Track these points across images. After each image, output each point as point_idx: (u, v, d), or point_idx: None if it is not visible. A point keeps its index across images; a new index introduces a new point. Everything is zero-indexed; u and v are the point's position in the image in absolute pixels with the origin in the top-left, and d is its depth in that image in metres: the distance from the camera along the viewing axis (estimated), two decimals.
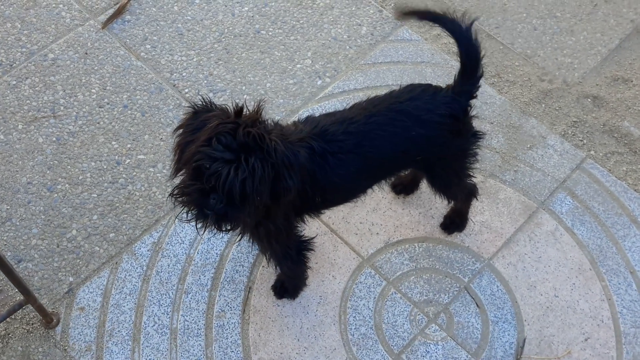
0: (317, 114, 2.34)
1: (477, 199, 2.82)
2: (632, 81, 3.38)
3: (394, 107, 2.27)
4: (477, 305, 2.77)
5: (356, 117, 2.24)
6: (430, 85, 2.36)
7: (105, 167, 3.05)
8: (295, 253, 2.47)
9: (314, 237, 2.56)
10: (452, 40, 3.42)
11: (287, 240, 2.37)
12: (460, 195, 2.75)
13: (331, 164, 2.19)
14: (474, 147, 2.47)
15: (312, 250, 2.54)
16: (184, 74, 3.33)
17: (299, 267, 2.57)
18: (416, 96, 2.29)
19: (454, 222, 2.91)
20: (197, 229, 2.01)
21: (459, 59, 2.29)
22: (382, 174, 2.49)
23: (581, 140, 3.19)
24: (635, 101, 3.31)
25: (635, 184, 3.05)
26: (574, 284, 2.81)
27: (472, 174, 2.61)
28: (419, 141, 2.29)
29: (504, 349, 2.67)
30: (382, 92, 3.27)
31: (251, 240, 2.36)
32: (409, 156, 2.38)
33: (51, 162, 3.05)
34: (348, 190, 2.44)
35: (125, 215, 2.93)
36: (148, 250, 2.85)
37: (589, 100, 3.32)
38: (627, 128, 3.22)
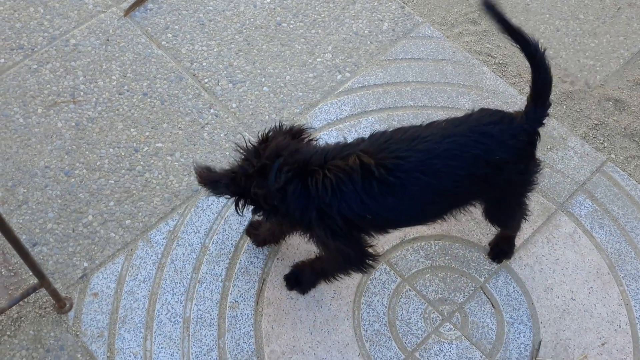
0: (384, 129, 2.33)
1: (526, 221, 2.75)
2: None
3: (478, 129, 2.23)
4: (492, 305, 2.74)
5: (431, 136, 2.21)
6: (503, 111, 2.33)
7: (123, 153, 3.04)
8: (359, 262, 2.44)
9: (380, 255, 2.52)
10: (474, 39, 3.46)
11: (354, 251, 2.38)
12: (516, 223, 2.70)
13: (385, 184, 2.16)
14: (539, 174, 2.45)
15: (376, 262, 2.47)
16: (204, 64, 3.32)
17: (356, 271, 2.51)
18: (498, 121, 2.25)
19: (503, 251, 2.82)
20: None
21: (532, 85, 2.27)
22: (454, 201, 2.41)
23: (602, 143, 3.16)
24: None
25: None
26: (591, 287, 2.78)
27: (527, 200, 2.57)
28: (501, 166, 2.26)
29: (519, 350, 2.65)
30: (402, 88, 3.28)
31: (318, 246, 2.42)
32: (486, 182, 2.31)
33: (69, 147, 3.05)
34: (410, 212, 2.35)
35: (142, 203, 2.93)
36: (163, 239, 2.84)
37: (611, 103, 3.29)
38: None
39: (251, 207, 2.27)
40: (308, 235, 2.35)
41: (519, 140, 2.25)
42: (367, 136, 2.29)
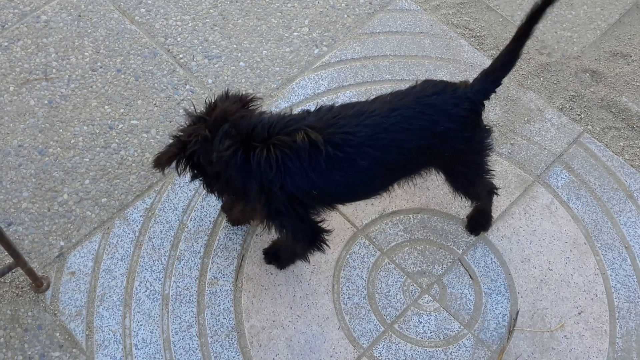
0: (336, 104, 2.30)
1: (497, 195, 2.76)
2: (631, 56, 3.36)
3: (422, 101, 2.22)
4: (470, 277, 2.76)
5: (378, 110, 2.19)
6: (446, 81, 2.32)
7: (97, 131, 3.00)
8: (308, 238, 2.43)
9: (332, 230, 2.50)
10: (451, 12, 3.44)
11: (301, 227, 2.36)
12: (482, 193, 2.68)
13: (333, 159, 2.15)
14: (490, 141, 2.44)
15: (326, 239, 2.47)
16: (178, 39, 3.28)
17: (310, 249, 2.51)
18: (440, 91, 2.24)
19: (480, 223, 2.83)
20: None
21: (495, 60, 2.25)
22: (402, 172, 2.41)
23: (579, 115, 3.17)
24: (633, 76, 3.29)
25: (632, 159, 3.04)
26: (568, 257, 2.80)
27: (491, 169, 2.55)
28: (447, 135, 2.25)
29: (496, 320, 2.67)
30: (380, 62, 3.26)
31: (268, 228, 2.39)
32: (433, 152, 2.31)
33: (43, 125, 3.00)
34: (358, 186, 2.34)
35: (118, 181, 2.89)
36: (140, 216, 2.82)
37: (588, 74, 3.30)
38: (625, 103, 3.20)
39: (192, 172, 2.26)
40: (254, 211, 2.34)
41: (462, 109, 2.23)
42: (312, 109, 2.27)
